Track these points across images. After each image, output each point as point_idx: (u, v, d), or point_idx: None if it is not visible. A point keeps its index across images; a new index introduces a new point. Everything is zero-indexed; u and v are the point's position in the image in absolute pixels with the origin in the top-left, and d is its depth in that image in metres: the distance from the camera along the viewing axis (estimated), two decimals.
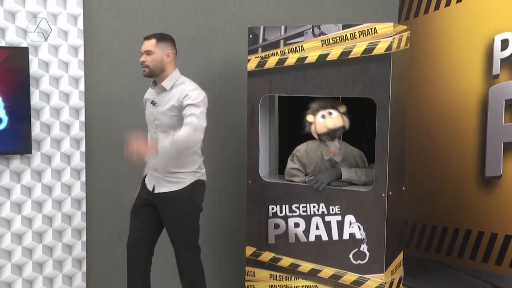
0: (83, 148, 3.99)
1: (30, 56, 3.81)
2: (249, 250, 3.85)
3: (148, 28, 4.12)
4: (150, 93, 3.62)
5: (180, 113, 3.39)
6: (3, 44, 3.76)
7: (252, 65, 3.79)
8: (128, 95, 4.08)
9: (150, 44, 3.46)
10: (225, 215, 4.40)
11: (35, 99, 3.86)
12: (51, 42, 3.87)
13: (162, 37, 3.49)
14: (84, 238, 4.04)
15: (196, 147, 3.46)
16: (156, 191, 3.53)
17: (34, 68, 3.85)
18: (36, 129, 3.87)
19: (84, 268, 4.06)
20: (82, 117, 3.98)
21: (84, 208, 4.03)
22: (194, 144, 3.36)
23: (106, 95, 4.07)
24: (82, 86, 3.97)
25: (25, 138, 3.79)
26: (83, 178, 4.01)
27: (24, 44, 3.79)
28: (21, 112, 3.77)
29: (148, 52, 3.45)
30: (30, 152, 3.83)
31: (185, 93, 3.40)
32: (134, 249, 3.61)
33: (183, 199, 3.50)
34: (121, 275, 3.77)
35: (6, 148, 3.76)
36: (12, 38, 3.78)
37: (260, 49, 3.77)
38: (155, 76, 3.49)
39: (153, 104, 3.51)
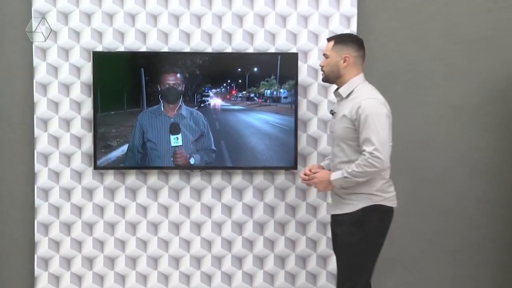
0: None
1: (299, 63, 3.50)
2: None
3: (430, 28, 3.61)
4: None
5: (353, 125, 2.98)
6: (273, 50, 3.51)
7: None
8: (403, 105, 3.56)
9: (327, 47, 3.12)
10: (504, 248, 3.70)
11: (303, 109, 3.53)
12: (321, 46, 3.50)
13: (341, 39, 3.09)
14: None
15: None
16: (332, 213, 3.16)
17: (302, 75, 3.52)
18: (302, 143, 3.55)
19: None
20: None
21: None
22: (374, 175, 2.95)
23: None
24: None
25: (293, 153, 3.48)
26: None
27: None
28: (289, 125, 3.46)
29: (325, 56, 3.12)
30: (296, 168, 3.52)
31: (359, 104, 2.95)
32: None
33: (351, 224, 3.02)
34: None
35: (274, 163, 3.49)
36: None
37: None
38: (331, 82, 3.14)
39: (332, 114, 3.17)
